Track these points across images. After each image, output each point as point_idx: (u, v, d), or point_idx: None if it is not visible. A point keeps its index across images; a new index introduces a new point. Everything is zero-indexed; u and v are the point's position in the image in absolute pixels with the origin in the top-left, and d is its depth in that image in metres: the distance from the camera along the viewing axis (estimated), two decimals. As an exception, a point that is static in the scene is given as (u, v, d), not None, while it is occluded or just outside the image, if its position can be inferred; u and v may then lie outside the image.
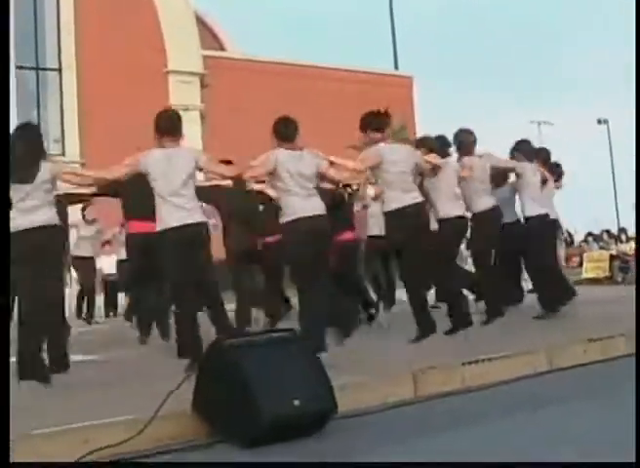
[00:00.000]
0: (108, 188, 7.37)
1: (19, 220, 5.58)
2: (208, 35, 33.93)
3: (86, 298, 13.05)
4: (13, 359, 5.24)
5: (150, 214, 6.22)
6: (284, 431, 3.99)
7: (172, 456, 3.91)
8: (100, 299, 16.14)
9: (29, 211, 5.61)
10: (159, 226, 5.94)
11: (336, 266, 7.51)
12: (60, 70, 28.75)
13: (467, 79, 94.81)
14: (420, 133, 32.37)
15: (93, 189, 6.51)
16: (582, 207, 50.52)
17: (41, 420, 4.17)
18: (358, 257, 9.00)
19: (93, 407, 4.61)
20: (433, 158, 7.48)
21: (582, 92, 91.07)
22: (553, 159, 9.55)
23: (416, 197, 6.93)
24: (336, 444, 4.00)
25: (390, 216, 6.91)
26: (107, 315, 16.29)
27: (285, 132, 6.31)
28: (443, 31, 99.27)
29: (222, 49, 34.88)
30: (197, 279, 6.13)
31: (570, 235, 23.66)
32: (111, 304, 14.35)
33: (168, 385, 4.26)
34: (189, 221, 5.89)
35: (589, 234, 22.62)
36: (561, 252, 22.46)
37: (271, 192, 7.17)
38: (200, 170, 6.14)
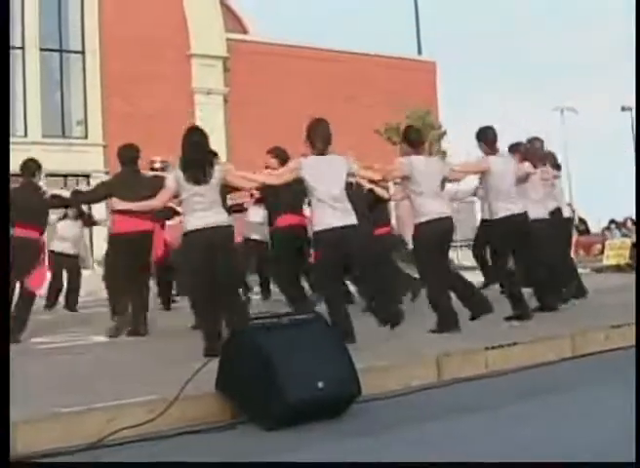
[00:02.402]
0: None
1: (193, 221, 5.92)
2: (231, 18, 33.86)
3: None
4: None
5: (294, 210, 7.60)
6: (307, 413, 4.00)
7: (194, 437, 3.92)
8: None
9: (203, 211, 5.92)
10: (317, 227, 6.23)
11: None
12: (83, 53, 28.80)
13: (490, 65, 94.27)
14: (442, 117, 32.37)
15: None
16: (606, 194, 50.24)
17: (66, 399, 4.20)
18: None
19: (117, 387, 4.64)
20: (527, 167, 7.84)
21: (607, 78, 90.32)
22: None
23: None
24: (359, 426, 4.00)
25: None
26: None
27: (417, 138, 6.89)
28: (465, 17, 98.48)
29: (245, 32, 34.82)
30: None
31: (584, 223, 23.41)
32: None
33: (190, 366, 4.28)
34: (344, 223, 6.19)
35: (612, 221, 22.43)
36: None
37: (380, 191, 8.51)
38: (352, 175, 6.60)
